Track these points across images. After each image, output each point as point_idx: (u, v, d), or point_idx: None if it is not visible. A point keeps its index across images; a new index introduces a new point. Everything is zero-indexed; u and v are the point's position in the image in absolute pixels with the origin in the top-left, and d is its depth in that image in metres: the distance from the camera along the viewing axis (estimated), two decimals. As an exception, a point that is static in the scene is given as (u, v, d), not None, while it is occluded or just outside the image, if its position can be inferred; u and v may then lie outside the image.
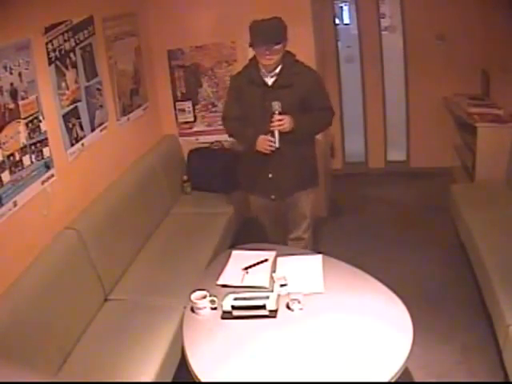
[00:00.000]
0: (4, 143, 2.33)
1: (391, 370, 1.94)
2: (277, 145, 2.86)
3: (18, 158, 2.43)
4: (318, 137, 4.11)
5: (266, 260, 2.72)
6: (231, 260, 2.78)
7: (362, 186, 5.08)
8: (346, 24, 5.43)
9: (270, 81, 2.92)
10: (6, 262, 2.32)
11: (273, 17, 2.85)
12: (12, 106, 2.39)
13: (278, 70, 2.89)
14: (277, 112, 2.81)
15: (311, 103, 2.95)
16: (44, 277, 2.41)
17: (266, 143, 2.88)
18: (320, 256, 2.73)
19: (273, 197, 3.12)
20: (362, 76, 5.09)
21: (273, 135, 2.86)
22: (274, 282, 2.48)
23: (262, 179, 3.06)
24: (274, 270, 2.63)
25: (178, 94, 4.28)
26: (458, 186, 4.09)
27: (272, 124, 2.83)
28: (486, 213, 3.43)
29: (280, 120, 2.82)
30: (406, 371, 2.17)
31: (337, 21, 5.14)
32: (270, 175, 3.02)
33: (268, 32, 2.77)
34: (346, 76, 5.16)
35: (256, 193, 3.22)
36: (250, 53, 3.05)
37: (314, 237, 3.69)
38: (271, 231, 3.45)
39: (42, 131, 2.63)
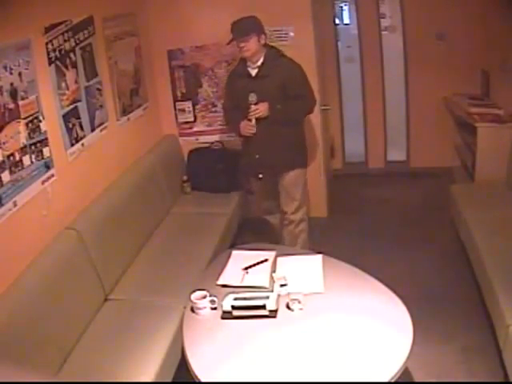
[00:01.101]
0: (4, 143, 2.33)
1: (391, 370, 1.94)
2: (254, 130, 3.25)
3: (17, 158, 2.43)
4: (318, 134, 4.15)
5: (265, 260, 2.72)
6: (231, 260, 2.78)
7: (362, 185, 5.08)
8: (346, 24, 5.43)
9: (253, 72, 3.27)
10: (5, 261, 2.32)
11: (249, 15, 3.20)
12: (12, 106, 2.39)
13: (259, 63, 3.24)
14: (253, 102, 3.20)
15: (290, 92, 3.23)
16: (44, 277, 2.41)
17: (246, 128, 3.28)
18: (320, 256, 2.73)
19: (260, 176, 3.41)
20: (362, 76, 5.09)
21: (251, 121, 3.25)
22: (274, 282, 2.48)
23: (250, 160, 3.41)
24: (274, 270, 2.63)
25: (178, 94, 4.28)
26: (457, 186, 4.09)
27: (249, 113, 3.22)
28: (486, 213, 3.43)
29: (255, 109, 3.20)
30: (405, 371, 2.17)
31: (337, 21, 5.14)
32: (257, 156, 3.35)
33: (239, 27, 3.15)
34: (345, 76, 5.16)
35: (248, 173, 3.59)
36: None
37: (313, 237, 3.70)
38: (266, 212, 3.74)
39: (42, 131, 2.63)
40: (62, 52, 2.85)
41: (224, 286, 2.56)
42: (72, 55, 2.95)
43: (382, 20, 4.94)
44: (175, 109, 4.32)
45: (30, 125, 2.52)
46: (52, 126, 2.74)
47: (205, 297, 2.38)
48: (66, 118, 2.88)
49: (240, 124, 3.31)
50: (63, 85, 2.86)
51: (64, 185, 2.83)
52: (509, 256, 2.88)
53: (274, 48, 3.32)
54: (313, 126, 4.02)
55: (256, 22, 3.20)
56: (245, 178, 3.81)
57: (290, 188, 3.47)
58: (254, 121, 3.24)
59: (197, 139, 4.34)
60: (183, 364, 2.21)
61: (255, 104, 3.20)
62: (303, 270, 2.61)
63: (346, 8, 5.39)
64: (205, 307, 2.36)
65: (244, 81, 3.30)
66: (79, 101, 3.03)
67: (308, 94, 3.35)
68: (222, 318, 2.32)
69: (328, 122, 4.76)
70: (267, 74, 3.21)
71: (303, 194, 3.56)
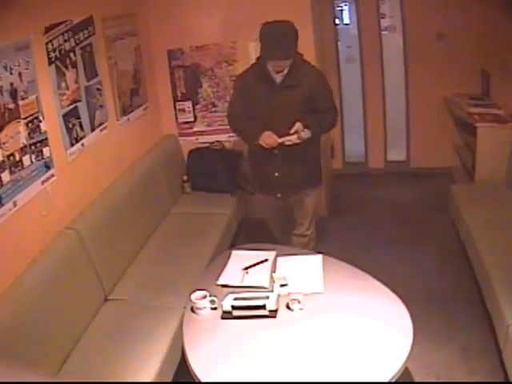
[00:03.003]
0: (4, 143, 2.33)
1: (391, 370, 1.94)
2: (276, 144, 2.90)
3: (18, 158, 2.43)
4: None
5: (266, 260, 2.72)
6: (231, 260, 2.78)
7: (362, 185, 5.08)
8: (346, 24, 5.42)
9: (278, 79, 2.92)
10: (6, 261, 2.32)
11: (284, 22, 2.80)
12: (12, 105, 2.39)
13: (286, 71, 2.88)
14: (299, 139, 2.87)
15: (317, 103, 2.96)
16: (44, 277, 2.41)
17: (270, 140, 2.90)
18: (320, 256, 2.73)
19: (279, 195, 3.19)
20: (362, 76, 5.09)
21: (278, 136, 2.89)
22: (273, 282, 2.48)
23: (268, 178, 3.13)
24: (274, 270, 2.63)
25: (178, 94, 4.28)
26: (458, 186, 4.09)
27: (284, 139, 2.88)
28: (486, 213, 3.43)
29: (297, 140, 2.88)
30: (405, 371, 2.17)
31: (337, 21, 5.14)
32: (276, 174, 3.08)
33: (280, 47, 2.75)
34: (346, 76, 5.16)
35: (263, 191, 3.30)
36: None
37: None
38: (275, 228, 3.53)
39: (42, 131, 2.63)
40: (62, 52, 2.85)
41: (224, 285, 2.56)
42: (72, 55, 2.95)
43: (382, 20, 4.94)
44: (175, 109, 4.32)
45: (30, 125, 2.52)
46: (52, 126, 2.74)
47: (205, 297, 2.38)
48: (66, 118, 2.88)
49: (258, 134, 2.92)
50: (63, 85, 2.86)
51: (64, 185, 2.83)
52: (509, 256, 2.88)
53: (296, 52, 2.91)
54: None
55: (295, 37, 2.79)
56: (244, 180, 3.74)
57: (308, 206, 3.28)
58: (281, 140, 2.90)
59: (197, 139, 4.34)
60: (183, 364, 2.21)
61: (299, 137, 2.88)
62: (303, 270, 2.61)
63: (346, 8, 5.38)
64: (205, 307, 2.36)
65: (266, 88, 2.93)
66: (79, 101, 3.03)
67: (333, 105, 3.09)
68: (222, 317, 2.32)
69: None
70: (294, 83, 2.88)
71: (315, 208, 3.39)
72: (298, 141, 2.88)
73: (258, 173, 3.26)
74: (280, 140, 2.89)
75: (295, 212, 3.34)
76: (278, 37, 2.74)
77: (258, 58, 3.02)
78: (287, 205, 3.34)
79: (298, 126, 2.86)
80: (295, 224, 3.40)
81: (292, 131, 2.87)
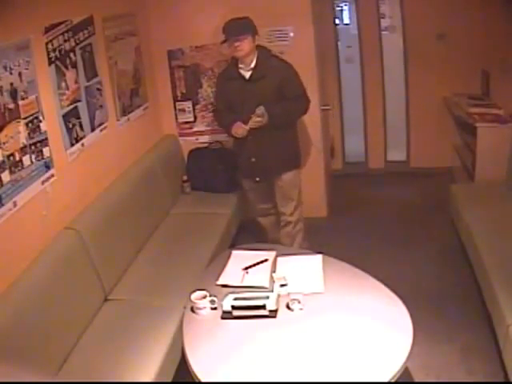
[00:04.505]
0: (4, 143, 2.33)
1: (391, 370, 1.94)
2: (245, 133, 3.23)
3: (17, 158, 2.43)
4: (318, 134, 4.14)
5: (266, 260, 2.72)
6: (231, 260, 2.78)
7: (362, 185, 5.08)
8: (346, 24, 5.43)
9: (246, 75, 3.23)
10: (5, 261, 2.32)
11: (242, 16, 3.20)
12: (12, 105, 2.39)
13: (252, 65, 3.21)
14: (259, 115, 3.16)
15: (285, 92, 3.22)
16: (44, 277, 2.41)
17: (239, 130, 3.23)
18: (320, 256, 2.73)
19: (257, 179, 3.44)
20: (362, 76, 5.09)
21: (246, 124, 3.21)
22: (273, 282, 2.48)
23: (246, 163, 3.41)
24: (274, 270, 2.63)
25: (178, 94, 4.28)
26: (457, 186, 4.09)
27: (249, 121, 3.18)
28: (485, 213, 3.43)
29: (259, 121, 3.17)
30: (405, 371, 2.17)
31: (337, 21, 5.14)
32: (253, 159, 3.35)
33: (233, 27, 3.14)
34: (346, 76, 5.16)
35: (244, 176, 3.58)
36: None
37: (314, 237, 3.70)
38: (261, 214, 3.71)
39: (42, 131, 2.63)
40: (62, 52, 2.85)
41: (224, 285, 2.56)
42: (72, 55, 2.95)
43: (382, 20, 4.94)
44: (175, 109, 4.32)
45: (30, 125, 2.52)
46: (52, 126, 2.74)
47: (205, 297, 2.38)
48: (66, 118, 2.88)
49: (232, 125, 3.26)
50: (63, 85, 2.86)
51: (64, 185, 2.83)
52: (509, 256, 2.88)
53: (264, 48, 3.29)
54: (312, 126, 4.02)
55: (250, 23, 3.18)
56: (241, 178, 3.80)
57: (288, 189, 3.47)
58: (248, 126, 3.22)
59: (197, 139, 4.34)
60: (183, 364, 2.21)
61: (258, 116, 3.17)
62: (303, 270, 2.61)
63: (346, 8, 5.39)
64: (205, 307, 2.36)
65: (237, 84, 3.26)
66: (79, 101, 3.03)
67: (303, 94, 3.32)
68: (222, 318, 2.32)
69: (328, 122, 4.75)
70: (261, 76, 3.18)
71: (299, 194, 3.56)
72: (259, 119, 3.15)
73: (239, 160, 3.50)
74: (247, 127, 3.19)
75: (278, 198, 3.52)
76: (233, 21, 3.17)
77: (232, 58, 3.31)
78: (270, 189, 3.50)
79: (258, 109, 3.14)
80: (280, 216, 3.57)
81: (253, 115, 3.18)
